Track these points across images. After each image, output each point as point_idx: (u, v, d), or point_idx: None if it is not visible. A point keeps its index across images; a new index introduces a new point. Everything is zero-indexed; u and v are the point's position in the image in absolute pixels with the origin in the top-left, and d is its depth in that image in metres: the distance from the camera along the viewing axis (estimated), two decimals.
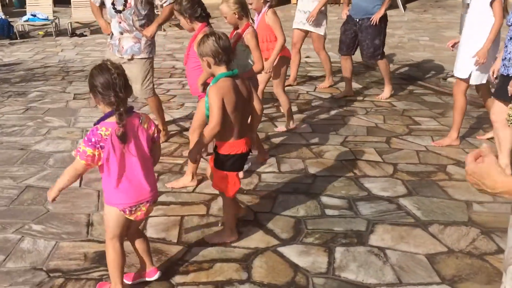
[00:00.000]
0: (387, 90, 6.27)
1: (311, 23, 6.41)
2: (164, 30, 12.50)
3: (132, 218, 2.52)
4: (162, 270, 2.90)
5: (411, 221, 3.43)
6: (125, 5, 4.45)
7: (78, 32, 12.26)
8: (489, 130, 4.97)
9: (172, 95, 6.67)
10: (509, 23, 3.80)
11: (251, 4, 4.60)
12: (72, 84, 7.35)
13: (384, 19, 6.03)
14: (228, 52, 2.91)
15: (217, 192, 3.86)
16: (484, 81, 4.50)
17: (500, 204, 3.60)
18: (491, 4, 4.18)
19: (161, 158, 4.47)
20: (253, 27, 3.77)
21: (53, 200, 2.47)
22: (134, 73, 4.52)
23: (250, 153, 3.18)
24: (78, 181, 4.11)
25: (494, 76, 4.07)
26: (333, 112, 5.78)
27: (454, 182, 3.98)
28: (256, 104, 3.07)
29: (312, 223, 3.43)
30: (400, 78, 7.12)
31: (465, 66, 4.46)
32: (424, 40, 10.14)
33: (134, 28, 4.53)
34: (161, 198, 3.81)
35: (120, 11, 4.47)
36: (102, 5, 4.73)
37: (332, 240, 3.22)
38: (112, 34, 4.67)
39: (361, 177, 4.10)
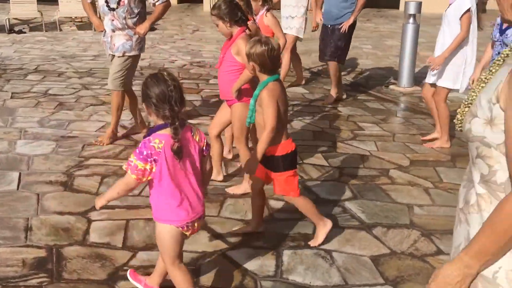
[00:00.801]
0: (332, 93, 6.41)
1: (292, 26, 6.61)
2: None
3: (188, 234, 2.36)
4: (107, 276, 2.81)
5: (356, 224, 3.50)
6: (118, 3, 4.47)
7: (16, 28, 11.75)
8: (431, 132, 5.18)
9: None
10: (495, 39, 4.12)
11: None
12: (10, 82, 7.03)
13: (352, 25, 6.29)
14: (276, 64, 2.94)
15: None
16: (456, 87, 4.79)
17: (438, 207, 3.75)
18: (460, 18, 4.54)
19: (106, 160, 4.42)
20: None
21: (100, 208, 2.35)
22: (114, 66, 4.65)
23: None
24: (16, 183, 3.94)
25: (473, 84, 4.28)
26: None
27: (396, 186, 4.10)
28: None
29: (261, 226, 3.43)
30: (344, 84, 7.28)
31: (446, 74, 4.77)
32: (367, 48, 10.44)
33: (126, 26, 4.55)
34: None
35: (113, 9, 4.48)
36: (93, 1, 4.74)
37: (280, 243, 3.23)
38: (105, 31, 4.65)
39: (308, 180, 4.15)
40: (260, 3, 4.73)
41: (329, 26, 6.29)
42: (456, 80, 4.75)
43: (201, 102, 6.38)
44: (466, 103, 1.44)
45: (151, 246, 3.17)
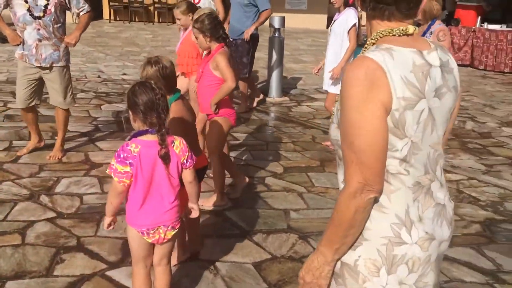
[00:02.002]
0: (241, 107, 6.61)
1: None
2: None
3: (150, 241, 2.36)
4: None
5: (237, 232, 3.57)
6: (44, 12, 4.26)
7: None
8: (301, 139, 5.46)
9: None
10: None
11: (179, 19, 4.80)
12: None
13: (254, 40, 6.49)
14: (171, 82, 2.82)
15: (33, 218, 3.56)
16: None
17: (313, 211, 3.97)
18: (348, 31, 5.12)
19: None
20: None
21: (108, 227, 2.40)
22: (56, 83, 4.56)
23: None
24: None
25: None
26: None
27: (272, 192, 4.26)
28: None
29: None
30: None
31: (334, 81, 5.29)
32: None
33: (53, 35, 4.43)
34: None
35: (39, 17, 4.25)
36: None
37: None
38: (23, 43, 4.33)
39: None
40: (190, 17, 4.67)
41: (232, 40, 6.39)
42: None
43: None
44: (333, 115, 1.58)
45: (21, 274, 2.94)
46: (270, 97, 7.45)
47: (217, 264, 3.17)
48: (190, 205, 2.56)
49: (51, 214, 3.65)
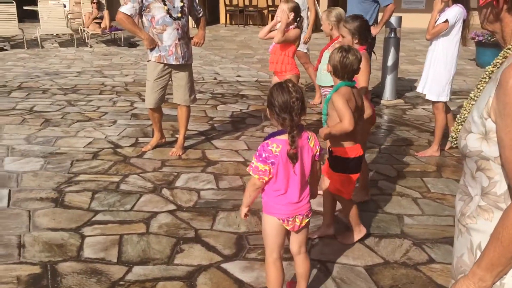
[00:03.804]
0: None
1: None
2: (91, 47, 12.19)
3: (288, 228, 2.52)
4: None
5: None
6: (181, 12, 4.68)
7: None
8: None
9: (103, 112, 6.50)
10: None
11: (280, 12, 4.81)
12: None
13: (371, 40, 6.49)
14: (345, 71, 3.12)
15: (156, 209, 3.82)
16: (442, 99, 5.00)
17: (428, 217, 3.82)
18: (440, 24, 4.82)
19: (96, 176, 4.41)
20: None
21: (245, 216, 2.58)
22: (184, 81, 4.89)
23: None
24: (6, 201, 3.91)
25: (464, 103, 4.81)
26: (267, 130, 5.89)
27: (386, 196, 4.17)
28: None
29: (254, 238, 3.45)
30: None
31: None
32: None
33: (186, 35, 4.80)
34: (98, 217, 3.70)
35: (178, 18, 4.67)
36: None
37: None
38: (158, 45, 4.70)
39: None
40: (292, 17, 4.75)
41: None
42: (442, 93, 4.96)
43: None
44: (459, 121, 1.51)
45: (146, 260, 3.17)
46: (384, 99, 7.28)
47: (328, 265, 3.18)
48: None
49: (172, 207, 3.90)
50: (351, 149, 3.21)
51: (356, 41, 3.71)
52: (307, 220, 2.56)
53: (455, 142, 1.53)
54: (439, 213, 3.86)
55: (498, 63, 1.42)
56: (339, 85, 3.13)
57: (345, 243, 3.40)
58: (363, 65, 3.47)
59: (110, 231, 3.50)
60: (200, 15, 5.04)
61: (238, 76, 8.96)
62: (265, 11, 17.12)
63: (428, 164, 4.88)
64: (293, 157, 2.36)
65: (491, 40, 8.96)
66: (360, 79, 3.61)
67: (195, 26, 5.14)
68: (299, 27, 4.96)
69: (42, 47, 12.03)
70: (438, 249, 3.36)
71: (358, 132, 3.25)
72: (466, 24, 4.79)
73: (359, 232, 3.44)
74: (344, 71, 3.10)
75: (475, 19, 4.15)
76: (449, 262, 3.12)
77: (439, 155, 5.07)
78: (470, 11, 4.77)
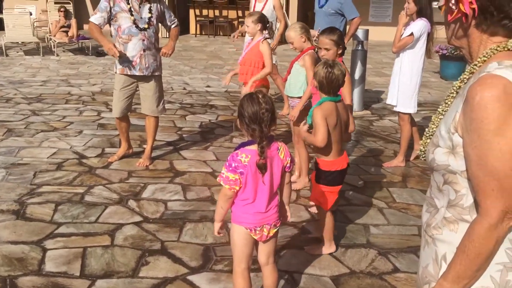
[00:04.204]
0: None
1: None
2: (58, 55, 11.99)
3: (255, 237, 2.51)
4: None
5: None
6: (148, 23, 4.63)
7: None
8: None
9: (69, 122, 6.37)
10: None
11: (248, 27, 4.87)
12: None
13: None
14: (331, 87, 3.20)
15: (121, 221, 3.76)
16: (409, 110, 5.10)
17: (393, 226, 3.87)
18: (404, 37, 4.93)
19: (59, 187, 4.31)
20: (314, 50, 4.10)
21: (219, 233, 2.55)
22: (152, 91, 4.85)
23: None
24: None
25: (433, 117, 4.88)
26: (236, 140, 5.88)
27: (352, 206, 4.20)
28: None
29: (221, 250, 3.43)
30: None
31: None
32: None
33: (153, 46, 4.74)
34: (61, 230, 3.62)
35: (144, 29, 4.61)
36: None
37: None
38: (122, 57, 4.61)
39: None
40: (259, 28, 4.80)
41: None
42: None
43: None
44: (428, 134, 1.53)
45: (110, 273, 3.11)
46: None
47: (295, 275, 3.17)
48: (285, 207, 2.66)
49: (138, 218, 3.84)
50: (334, 162, 3.28)
51: (340, 51, 3.78)
52: (275, 230, 2.55)
53: (423, 156, 1.55)
54: (404, 223, 3.92)
55: (465, 79, 1.44)
56: (323, 100, 3.18)
57: (312, 254, 3.41)
58: (347, 79, 3.53)
59: (73, 244, 3.42)
60: (174, 25, 4.98)
61: (208, 86, 8.95)
62: (235, 22, 17.18)
63: (394, 175, 4.96)
64: (262, 168, 2.37)
65: (455, 53, 9.21)
66: (345, 94, 3.67)
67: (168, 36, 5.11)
68: (270, 34, 5.02)
69: (7, 55, 11.77)
70: (402, 259, 3.40)
71: (341, 145, 3.31)
72: (430, 37, 4.90)
73: (329, 247, 3.44)
74: (330, 86, 3.16)
75: (439, 32, 4.27)
76: (414, 272, 3.17)
77: (404, 165, 5.15)
78: (434, 25, 4.89)
